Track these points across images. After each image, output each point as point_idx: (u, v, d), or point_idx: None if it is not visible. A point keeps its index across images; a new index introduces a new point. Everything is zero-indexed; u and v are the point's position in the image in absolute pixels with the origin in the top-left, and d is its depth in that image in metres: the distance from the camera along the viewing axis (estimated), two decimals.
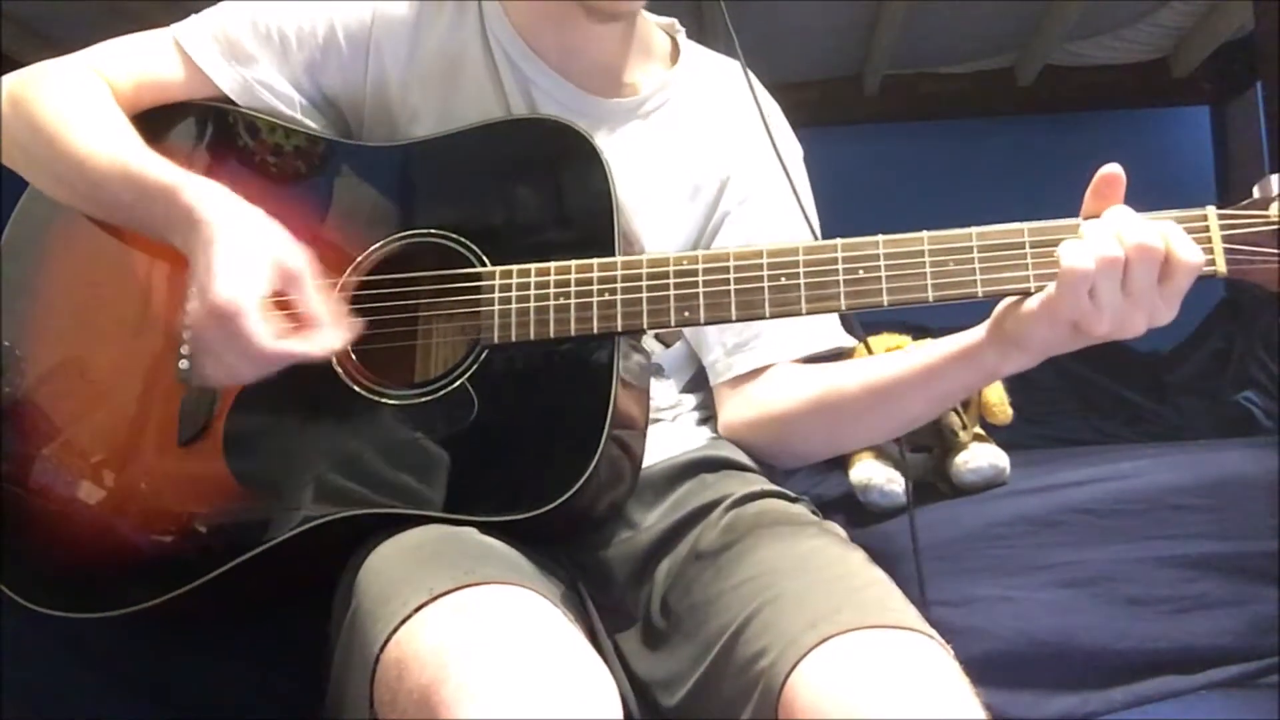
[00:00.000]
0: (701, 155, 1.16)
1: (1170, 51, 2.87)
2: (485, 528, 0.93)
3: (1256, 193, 0.87)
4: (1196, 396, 2.23)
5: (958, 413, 1.42)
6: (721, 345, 1.14)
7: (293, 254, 0.94)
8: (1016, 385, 1.52)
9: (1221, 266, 0.86)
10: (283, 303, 0.93)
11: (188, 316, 0.94)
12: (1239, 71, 2.80)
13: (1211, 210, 0.87)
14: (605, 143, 1.04)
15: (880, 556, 0.97)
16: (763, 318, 0.93)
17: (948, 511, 1.39)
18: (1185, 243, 0.83)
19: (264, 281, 0.91)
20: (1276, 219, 0.85)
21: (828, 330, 1.15)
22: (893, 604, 0.87)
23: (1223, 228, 0.86)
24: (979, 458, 1.42)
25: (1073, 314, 0.85)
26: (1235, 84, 2.86)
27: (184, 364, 1.03)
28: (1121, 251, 0.83)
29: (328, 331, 0.93)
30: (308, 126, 1.12)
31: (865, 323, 1.16)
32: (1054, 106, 2.96)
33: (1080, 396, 2.23)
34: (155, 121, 1.09)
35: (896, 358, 1.03)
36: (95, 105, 1.06)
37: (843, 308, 0.92)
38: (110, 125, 1.05)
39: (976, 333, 0.96)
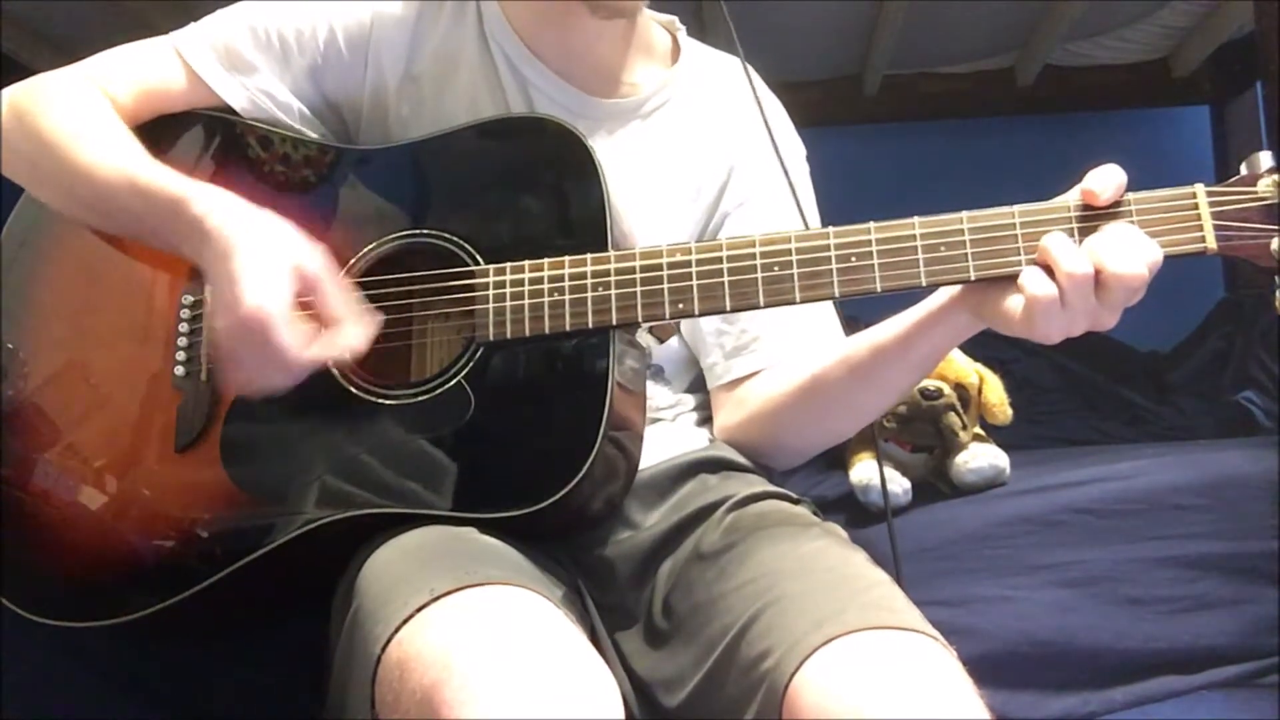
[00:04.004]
0: (703, 155, 1.15)
1: (1170, 51, 2.88)
2: (485, 527, 0.93)
3: (1244, 169, 0.88)
4: (1196, 396, 2.23)
5: (958, 413, 1.42)
6: (720, 348, 1.14)
7: (310, 255, 0.93)
8: (1016, 385, 1.52)
9: (1211, 243, 0.86)
10: (304, 304, 0.92)
11: (211, 329, 0.93)
12: (1239, 71, 2.81)
13: (1200, 188, 0.87)
14: (605, 144, 1.03)
15: (880, 557, 0.97)
16: (757, 307, 0.93)
17: (948, 511, 1.40)
18: (1120, 257, 0.83)
19: (288, 287, 0.90)
20: (1265, 195, 0.86)
21: (827, 329, 1.14)
22: (896, 605, 0.87)
23: (1211, 205, 0.86)
24: (979, 458, 1.42)
25: (1018, 333, 0.89)
26: (1235, 84, 2.86)
27: (179, 370, 1.03)
28: (1054, 289, 0.84)
29: (352, 330, 0.92)
30: (305, 134, 1.11)
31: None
32: (1054, 106, 2.97)
33: (1080, 396, 2.23)
34: (158, 132, 1.09)
35: (869, 332, 1.03)
36: (99, 118, 1.06)
37: (836, 295, 0.92)
38: (115, 137, 1.04)
39: (947, 292, 0.96)
